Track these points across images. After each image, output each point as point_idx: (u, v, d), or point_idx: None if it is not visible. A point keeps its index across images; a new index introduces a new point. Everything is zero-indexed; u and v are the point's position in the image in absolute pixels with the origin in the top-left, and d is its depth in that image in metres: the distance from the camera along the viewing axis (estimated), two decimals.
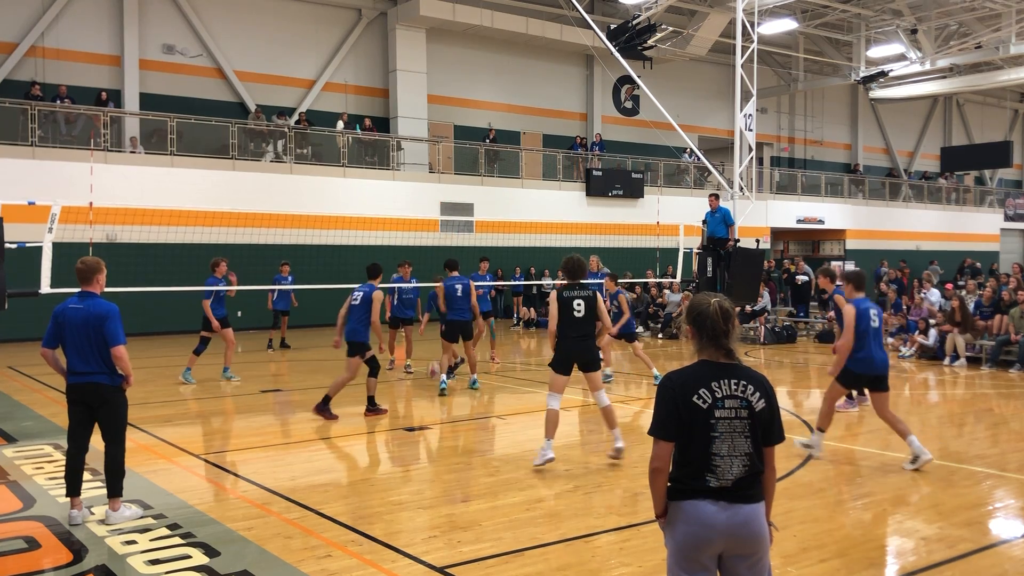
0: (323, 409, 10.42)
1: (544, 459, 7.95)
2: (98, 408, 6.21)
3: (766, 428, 3.38)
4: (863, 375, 8.07)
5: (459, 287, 12.53)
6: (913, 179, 40.69)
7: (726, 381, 3.36)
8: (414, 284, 14.93)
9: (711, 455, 3.31)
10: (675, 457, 3.41)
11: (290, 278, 17.56)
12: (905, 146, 42.58)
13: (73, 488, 6.21)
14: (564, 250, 25.13)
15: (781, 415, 3.46)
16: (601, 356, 11.22)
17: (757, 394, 3.37)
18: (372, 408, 10.60)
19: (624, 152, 31.03)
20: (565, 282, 8.22)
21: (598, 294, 8.28)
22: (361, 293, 10.50)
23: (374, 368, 10.61)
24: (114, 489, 6.22)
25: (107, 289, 6.47)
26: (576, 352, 8.05)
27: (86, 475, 7.48)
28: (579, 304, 8.00)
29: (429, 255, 19.26)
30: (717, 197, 17.18)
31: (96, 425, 6.28)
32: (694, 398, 3.32)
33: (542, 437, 7.99)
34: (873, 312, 8.01)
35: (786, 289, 23.72)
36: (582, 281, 8.20)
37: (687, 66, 32.47)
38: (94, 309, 6.15)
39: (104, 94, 22.10)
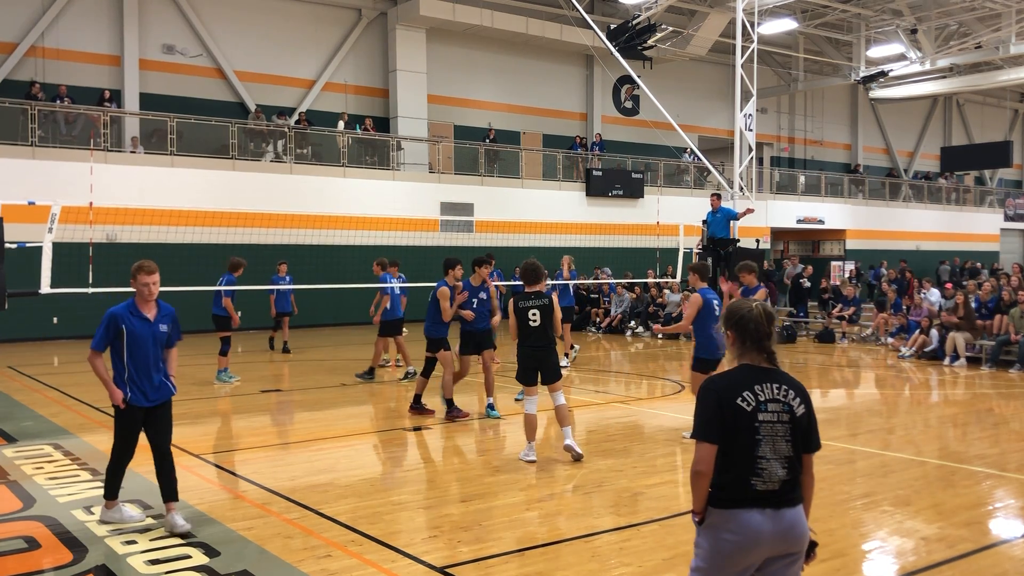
0: (417, 408, 10.39)
1: (526, 459, 8.03)
2: None
3: (805, 434, 3.40)
4: (710, 359, 8.71)
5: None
6: (913, 179, 40.70)
7: (768, 385, 3.37)
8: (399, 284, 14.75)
9: (756, 458, 3.31)
10: (718, 463, 3.36)
11: (288, 278, 16.76)
12: (905, 146, 42.58)
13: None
14: (564, 250, 25.19)
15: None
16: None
17: (798, 399, 3.39)
18: (417, 407, 10.44)
19: (624, 152, 31.03)
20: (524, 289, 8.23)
21: (555, 300, 8.26)
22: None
23: (428, 368, 10.45)
24: (105, 491, 6.22)
25: (107, 289, 6.48)
26: (536, 361, 8.09)
27: (85, 475, 7.50)
28: (534, 314, 8.00)
29: (429, 255, 19.24)
30: (719, 197, 17.21)
31: (148, 432, 6.18)
32: (738, 400, 3.33)
33: (543, 437, 8.12)
34: (715, 302, 8.86)
35: (786, 289, 23.74)
36: (539, 288, 8.17)
37: (687, 66, 32.46)
38: None
39: (106, 93, 22.10)
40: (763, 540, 3.30)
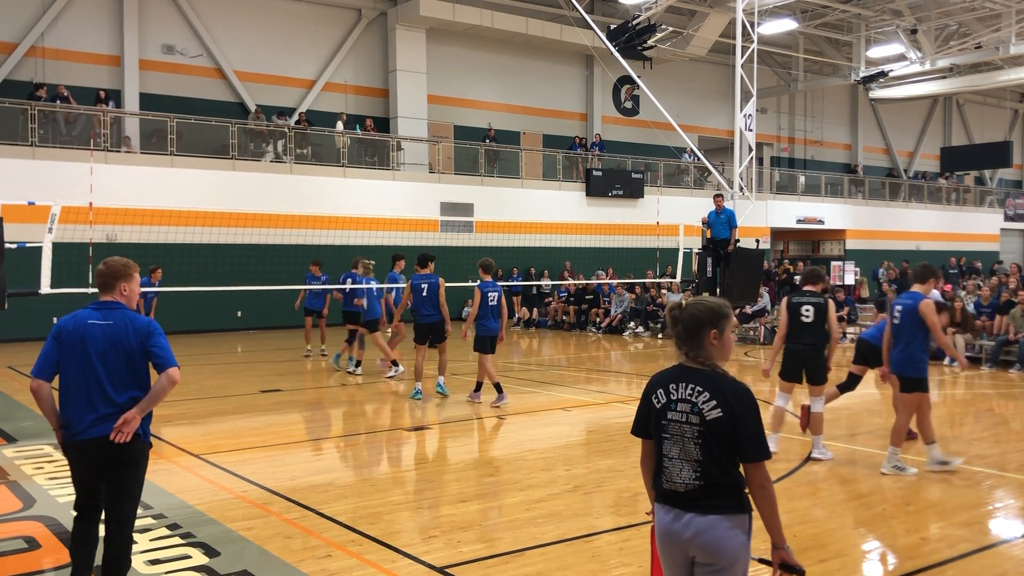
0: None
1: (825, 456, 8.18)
2: None
3: (731, 440, 3.18)
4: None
5: (424, 286, 11.30)
6: (913, 179, 40.71)
7: (684, 384, 3.30)
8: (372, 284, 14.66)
9: (662, 456, 3.33)
10: None
11: (323, 277, 16.17)
12: (905, 146, 42.58)
13: None
14: (564, 250, 25.11)
15: (759, 429, 3.19)
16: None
17: (712, 402, 3.20)
18: None
19: (624, 152, 31.02)
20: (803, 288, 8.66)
21: (831, 304, 8.43)
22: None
23: None
24: None
25: None
26: (801, 359, 8.33)
27: None
28: (808, 310, 8.26)
29: None
30: (723, 198, 17.21)
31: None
32: (652, 397, 3.37)
33: (543, 437, 8.20)
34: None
35: (786, 289, 23.74)
36: (814, 289, 8.51)
37: (687, 66, 32.45)
38: None
39: (102, 93, 22.10)
40: (670, 536, 3.29)
